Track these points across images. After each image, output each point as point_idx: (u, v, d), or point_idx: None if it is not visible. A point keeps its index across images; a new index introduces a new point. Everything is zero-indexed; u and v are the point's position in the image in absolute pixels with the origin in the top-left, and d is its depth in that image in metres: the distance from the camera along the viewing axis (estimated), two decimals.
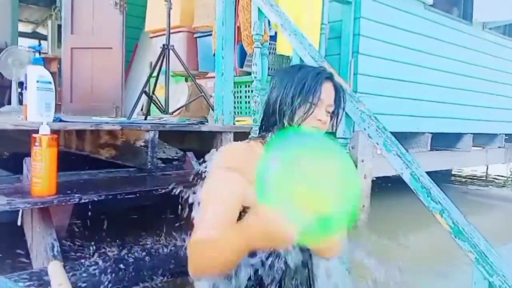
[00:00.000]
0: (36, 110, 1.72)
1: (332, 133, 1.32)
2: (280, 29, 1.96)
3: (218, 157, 1.16)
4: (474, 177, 7.34)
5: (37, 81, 1.72)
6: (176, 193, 1.65)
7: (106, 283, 1.29)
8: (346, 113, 1.65)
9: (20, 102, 4.22)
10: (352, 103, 1.62)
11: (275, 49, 3.05)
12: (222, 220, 1.03)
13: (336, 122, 1.23)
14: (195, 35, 3.85)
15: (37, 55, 1.93)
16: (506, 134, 5.62)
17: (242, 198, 1.08)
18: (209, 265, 0.98)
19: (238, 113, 3.15)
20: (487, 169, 7.62)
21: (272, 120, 1.19)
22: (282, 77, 1.20)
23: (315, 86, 1.15)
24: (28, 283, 1.22)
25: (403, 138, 3.99)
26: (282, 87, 1.18)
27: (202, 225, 1.03)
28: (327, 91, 1.18)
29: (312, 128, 1.16)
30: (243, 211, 1.08)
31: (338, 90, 1.21)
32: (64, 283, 1.09)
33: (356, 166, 3.37)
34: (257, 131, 1.30)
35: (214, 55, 2.48)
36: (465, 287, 1.37)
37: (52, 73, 1.84)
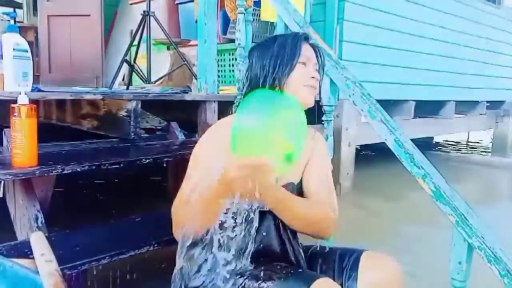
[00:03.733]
0: (13, 79, 1.66)
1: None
2: None
3: (207, 133, 1.20)
4: (456, 144, 7.49)
5: (13, 49, 1.66)
6: (161, 162, 1.64)
7: (91, 253, 1.29)
8: (331, 80, 1.65)
9: None
10: (337, 70, 1.61)
11: (259, 15, 3.00)
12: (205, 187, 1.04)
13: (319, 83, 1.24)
14: (177, 2, 3.75)
15: (12, 22, 1.85)
16: (487, 101, 5.71)
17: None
18: (192, 218, 1.03)
19: (222, 82, 3.11)
20: (468, 135, 7.78)
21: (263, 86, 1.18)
22: (261, 51, 1.21)
23: (296, 46, 1.17)
24: (12, 254, 1.21)
25: (387, 105, 4.01)
26: (263, 59, 1.18)
27: (185, 188, 1.09)
28: (310, 50, 1.21)
29: (309, 89, 1.19)
30: None
31: (316, 49, 1.24)
32: (47, 252, 1.08)
33: (340, 134, 3.41)
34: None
35: (196, 22, 2.42)
36: (443, 247, 1.41)
37: (29, 43, 1.77)
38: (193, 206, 1.02)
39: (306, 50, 1.20)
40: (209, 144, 1.17)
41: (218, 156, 1.06)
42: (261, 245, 1.15)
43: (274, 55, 1.17)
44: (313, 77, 1.20)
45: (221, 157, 1.05)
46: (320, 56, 1.24)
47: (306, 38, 1.23)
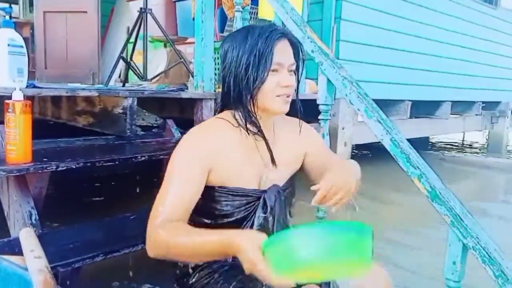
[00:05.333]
0: (8, 75, 1.65)
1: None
2: None
3: (187, 136, 1.12)
4: (451, 144, 7.51)
5: (8, 45, 1.64)
6: (156, 160, 1.63)
7: (85, 250, 1.29)
8: (327, 79, 1.64)
9: None
10: (334, 69, 1.61)
11: (257, 14, 2.99)
12: (183, 201, 1.01)
13: (297, 79, 1.15)
14: None
15: (7, 17, 1.83)
16: (483, 102, 5.73)
17: (205, 180, 1.07)
18: (172, 257, 0.98)
19: (219, 80, 3.10)
20: (463, 136, 7.81)
21: (234, 95, 1.10)
22: (232, 46, 1.10)
23: (266, 52, 1.05)
24: (5, 250, 1.21)
25: (384, 105, 4.01)
26: (233, 58, 1.09)
27: (162, 203, 1.01)
28: (284, 51, 1.08)
29: (282, 99, 1.09)
30: (207, 190, 1.08)
31: (295, 44, 1.12)
32: (36, 249, 1.06)
33: (336, 133, 3.41)
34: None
35: (193, 19, 2.41)
36: (437, 246, 1.41)
37: (24, 39, 1.76)
38: (171, 242, 0.94)
39: (279, 54, 1.07)
40: (188, 150, 1.08)
41: (196, 166, 1.04)
42: None
43: (244, 62, 1.06)
44: (286, 86, 1.08)
45: (200, 167, 1.04)
46: (298, 52, 1.13)
47: (280, 36, 1.08)
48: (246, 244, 0.83)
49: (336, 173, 1.06)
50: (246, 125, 1.10)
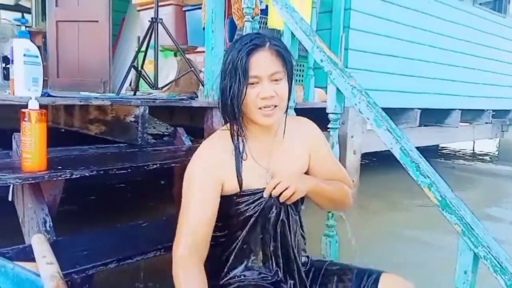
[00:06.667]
0: (23, 85, 1.68)
1: None
2: (271, 3, 1.93)
3: (194, 159, 1.16)
4: (461, 153, 7.46)
5: (24, 55, 1.68)
6: (168, 168, 1.65)
7: (98, 257, 1.30)
8: (337, 88, 1.66)
9: (4, 77, 4.12)
10: (343, 78, 1.62)
11: (266, 23, 3.01)
12: (202, 221, 1.09)
13: (289, 87, 1.14)
14: (184, 9, 3.78)
15: (22, 28, 1.87)
16: (493, 110, 5.69)
17: (219, 193, 1.14)
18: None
19: None
20: (473, 144, 7.75)
21: (228, 109, 1.12)
22: (223, 59, 1.13)
23: (241, 65, 1.05)
24: (20, 257, 1.22)
25: (393, 114, 4.02)
26: (220, 72, 1.12)
27: (186, 223, 1.09)
28: (260, 63, 1.07)
29: (263, 112, 1.09)
30: (223, 199, 1.15)
31: (278, 52, 1.10)
32: (48, 255, 1.08)
33: (346, 141, 3.41)
34: None
35: (203, 29, 2.44)
36: (448, 256, 1.40)
37: (37, 48, 1.80)
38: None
39: (254, 66, 1.06)
40: (203, 162, 1.14)
41: (210, 181, 1.11)
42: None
43: (226, 76, 1.09)
44: (264, 98, 1.08)
45: (214, 182, 1.12)
46: (284, 58, 1.11)
47: (253, 48, 1.07)
48: None
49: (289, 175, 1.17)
50: (237, 136, 1.16)
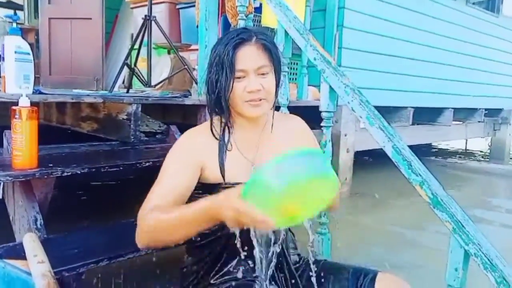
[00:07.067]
0: (14, 82, 1.67)
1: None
2: (265, 1, 1.93)
3: (179, 140, 1.20)
4: (454, 151, 7.51)
5: (15, 52, 1.67)
6: (160, 166, 1.63)
7: (90, 255, 1.30)
8: (330, 86, 1.66)
9: None
10: (336, 77, 1.62)
11: (260, 21, 3.01)
12: (174, 191, 1.07)
13: (277, 81, 1.16)
14: (178, 6, 3.77)
15: (14, 25, 1.86)
16: (485, 109, 5.73)
17: (197, 177, 1.14)
18: (163, 237, 1.00)
19: None
20: (466, 143, 7.80)
21: (215, 102, 1.15)
22: (212, 51, 1.14)
23: (226, 61, 1.08)
24: (10, 255, 1.22)
25: (386, 112, 4.03)
26: (208, 67, 1.14)
27: (152, 192, 1.07)
28: (246, 57, 1.09)
29: (250, 104, 1.11)
30: (202, 187, 1.15)
31: (265, 46, 1.11)
32: (39, 253, 1.08)
33: (339, 140, 3.42)
34: None
35: (197, 27, 2.43)
36: (439, 255, 1.41)
37: (29, 45, 1.78)
38: (158, 219, 0.98)
39: (240, 60, 1.08)
40: (178, 148, 1.17)
41: (185, 161, 1.12)
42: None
43: (213, 69, 1.11)
44: (251, 91, 1.10)
45: (189, 162, 1.12)
46: (271, 52, 1.12)
47: (239, 43, 1.09)
48: (227, 197, 0.88)
49: None
50: (224, 127, 1.17)
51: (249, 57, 1.09)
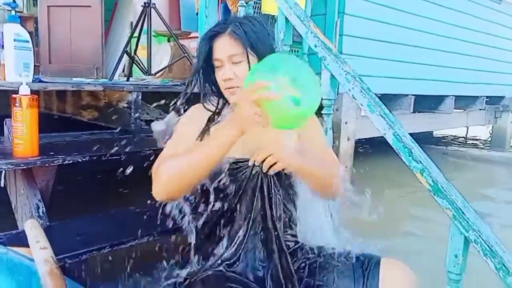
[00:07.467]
0: (14, 70, 1.67)
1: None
2: None
3: (184, 115, 1.30)
4: (455, 138, 7.50)
5: (14, 40, 1.67)
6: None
7: (92, 242, 1.31)
8: (331, 74, 1.65)
9: None
10: (337, 64, 1.62)
11: (260, 8, 2.99)
12: (184, 145, 1.15)
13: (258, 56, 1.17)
14: None
15: (12, 12, 1.85)
16: (487, 97, 5.70)
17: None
18: (179, 180, 1.08)
19: None
20: (467, 130, 7.79)
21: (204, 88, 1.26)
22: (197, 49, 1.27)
23: (204, 51, 1.19)
24: (13, 243, 1.23)
25: (387, 100, 4.01)
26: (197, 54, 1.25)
27: (165, 151, 1.18)
28: (220, 47, 1.17)
29: (230, 91, 1.18)
30: None
31: (236, 35, 1.16)
32: (41, 240, 1.08)
33: (339, 128, 3.41)
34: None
35: (197, 14, 2.42)
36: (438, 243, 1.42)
37: (28, 33, 1.78)
38: (175, 163, 1.08)
39: (216, 50, 1.18)
40: (185, 117, 1.27)
41: (190, 126, 1.22)
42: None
43: (197, 61, 1.22)
44: (225, 80, 1.17)
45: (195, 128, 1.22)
46: (242, 42, 1.15)
47: (214, 34, 1.18)
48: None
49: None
50: (221, 106, 1.27)
51: (222, 46, 1.17)
